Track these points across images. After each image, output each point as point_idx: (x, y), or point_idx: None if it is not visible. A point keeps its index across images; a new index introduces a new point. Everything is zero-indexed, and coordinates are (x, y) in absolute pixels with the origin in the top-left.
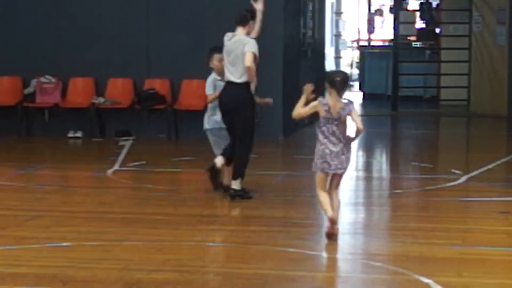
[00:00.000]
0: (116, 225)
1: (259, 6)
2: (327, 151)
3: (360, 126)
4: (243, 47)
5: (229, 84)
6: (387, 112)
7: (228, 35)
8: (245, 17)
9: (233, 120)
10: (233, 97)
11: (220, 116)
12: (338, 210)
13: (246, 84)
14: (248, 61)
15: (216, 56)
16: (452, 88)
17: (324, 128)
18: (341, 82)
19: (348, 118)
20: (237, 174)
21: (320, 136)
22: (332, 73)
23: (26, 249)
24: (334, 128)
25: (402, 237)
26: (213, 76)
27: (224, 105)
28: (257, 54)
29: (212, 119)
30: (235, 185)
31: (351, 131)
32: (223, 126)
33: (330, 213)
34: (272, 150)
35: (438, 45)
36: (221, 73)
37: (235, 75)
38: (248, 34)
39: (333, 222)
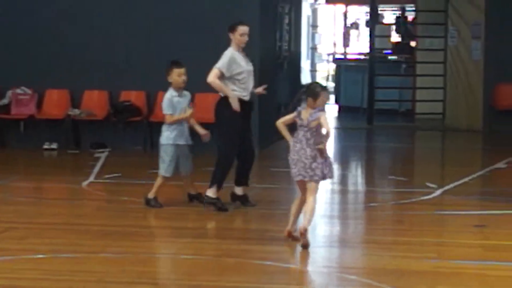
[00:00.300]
0: (91, 237)
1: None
2: (290, 159)
3: (328, 128)
4: None
5: None
6: (362, 125)
7: None
8: (228, 29)
9: None
10: (214, 109)
11: (174, 133)
12: (309, 215)
13: (223, 98)
14: (209, 76)
15: (175, 71)
16: (428, 102)
17: (294, 136)
18: (304, 91)
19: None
20: (213, 181)
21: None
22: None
23: (0, 261)
24: (302, 134)
25: (377, 251)
26: (170, 93)
27: None
28: (223, 70)
29: (165, 135)
30: (210, 192)
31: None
32: (177, 142)
33: (288, 226)
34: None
35: (413, 59)
36: (179, 88)
37: None
38: (234, 46)
39: (288, 235)
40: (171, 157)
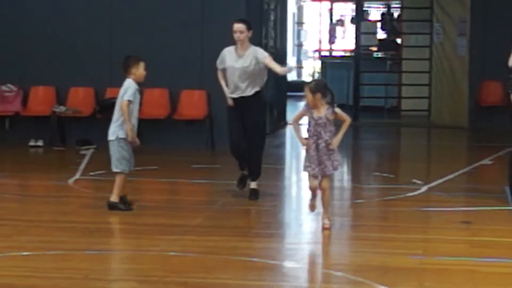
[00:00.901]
0: (77, 234)
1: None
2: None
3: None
4: None
5: None
6: None
7: None
8: None
9: None
10: None
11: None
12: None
13: None
14: None
15: (142, 64)
16: (413, 99)
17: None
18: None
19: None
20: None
21: None
22: None
23: None
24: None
25: (363, 247)
26: (134, 84)
27: None
28: (218, 66)
29: (124, 129)
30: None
31: None
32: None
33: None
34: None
35: (399, 56)
36: (140, 82)
37: None
38: None
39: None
40: (131, 152)
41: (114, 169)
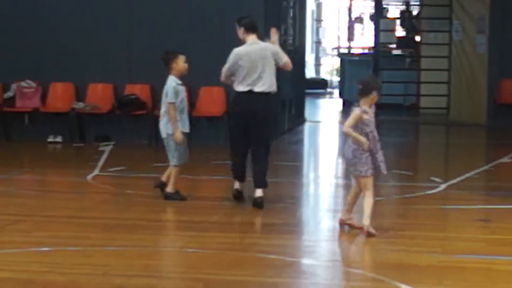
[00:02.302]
0: (96, 230)
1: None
2: (366, 157)
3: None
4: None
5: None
6: None
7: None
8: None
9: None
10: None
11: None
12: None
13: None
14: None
15: (181, 57)
16: (432, 96)
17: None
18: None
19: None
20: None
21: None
22: None
23: (6, 253)
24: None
25: (382, 245)
26: (174, 80)
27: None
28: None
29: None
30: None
31: None
32: (186, 131)
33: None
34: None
35: (418, 53)
36: (182, 75)
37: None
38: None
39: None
40: (185, 146)
41: (171, 163)
